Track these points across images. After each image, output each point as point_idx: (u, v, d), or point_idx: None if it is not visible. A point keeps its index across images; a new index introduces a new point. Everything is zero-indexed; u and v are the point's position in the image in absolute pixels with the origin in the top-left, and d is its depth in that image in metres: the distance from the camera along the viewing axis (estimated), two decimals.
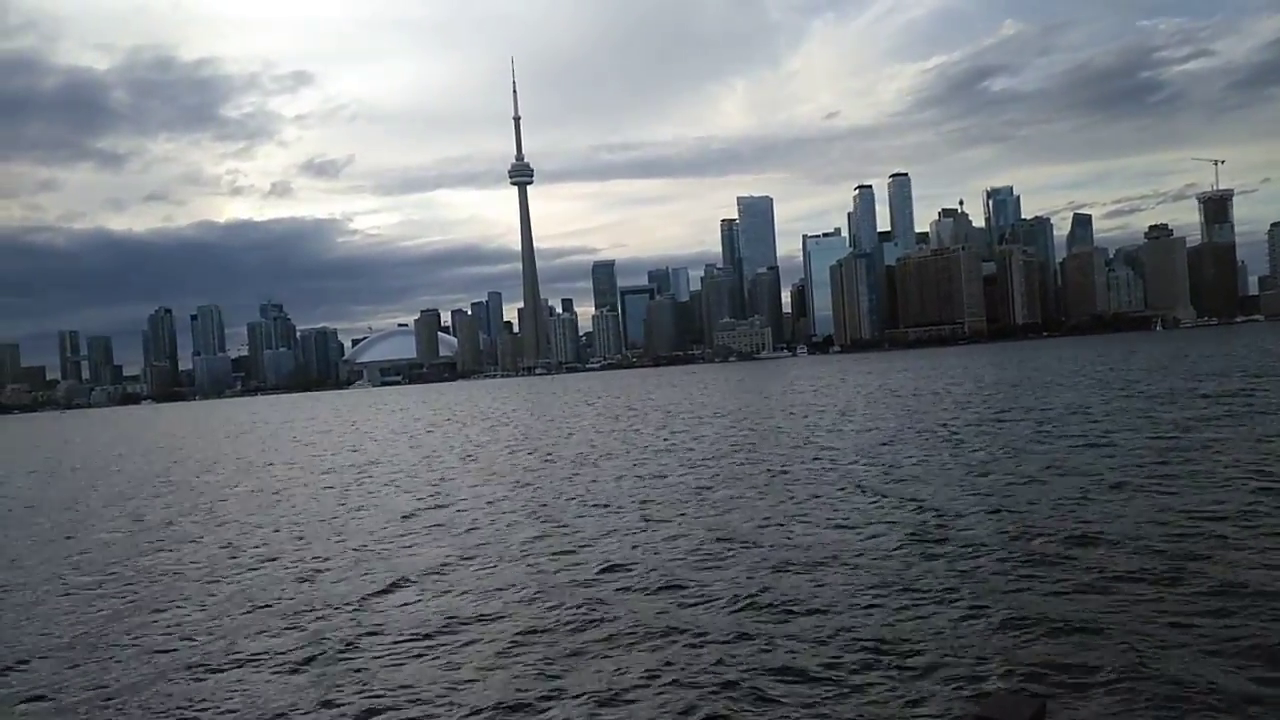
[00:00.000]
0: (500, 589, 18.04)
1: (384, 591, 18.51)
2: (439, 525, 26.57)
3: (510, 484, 35.32)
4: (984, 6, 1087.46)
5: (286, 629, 16.24)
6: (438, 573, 19.96)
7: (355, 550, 23.31)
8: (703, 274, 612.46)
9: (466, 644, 14.64)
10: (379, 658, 14.27)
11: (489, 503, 30.49)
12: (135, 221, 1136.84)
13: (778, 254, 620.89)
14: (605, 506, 27.78)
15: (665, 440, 49.70)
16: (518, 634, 14.96)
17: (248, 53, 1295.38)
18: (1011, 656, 12.32)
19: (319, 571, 20.97)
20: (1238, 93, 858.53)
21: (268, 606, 17.91)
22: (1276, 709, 10.36)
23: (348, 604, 17.67)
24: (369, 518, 28.91)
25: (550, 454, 46.53)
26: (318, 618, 16.80)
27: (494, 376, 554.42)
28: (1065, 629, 13.22)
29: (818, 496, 26.46)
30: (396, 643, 14.93)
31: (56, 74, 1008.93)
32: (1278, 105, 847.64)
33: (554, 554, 21.12)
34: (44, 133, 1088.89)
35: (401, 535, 25.27)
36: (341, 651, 14.66)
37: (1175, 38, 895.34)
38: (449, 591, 18.22)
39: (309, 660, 14.36)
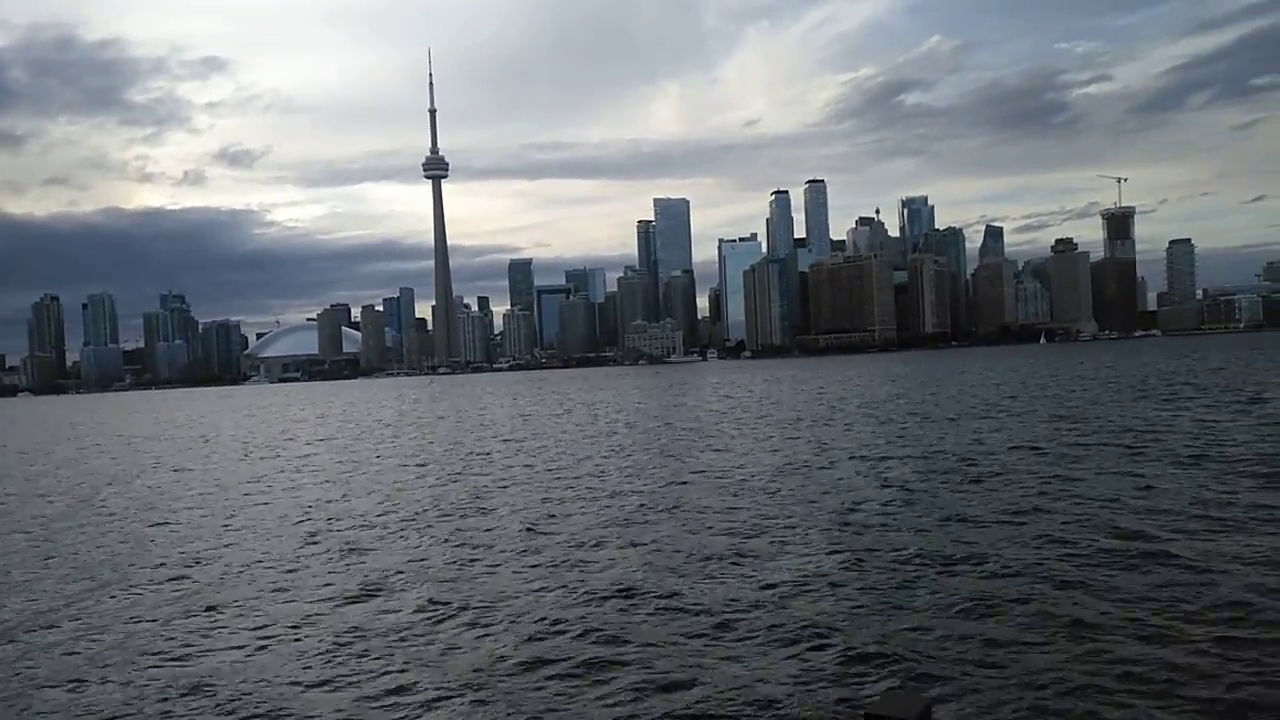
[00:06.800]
0: None
1: None
2: None
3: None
4: (912, 21, 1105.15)
5: None
6: None
7: None
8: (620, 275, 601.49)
9: None
10: None
11: None
12: (35, 205, 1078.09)
13: (700, 258, 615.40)
14: None
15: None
16: None
17: (153, 35, 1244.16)
18: (899, 655, 12.39)
19: None
20: (1136, 117, 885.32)
21: None
22: (1155, 695, 10.71)
23: None
24: None
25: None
26: None
27: (396, 375, 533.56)
28: (952, 629, 13.45)
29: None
30: None
31: None
32: (1173, 130, 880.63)
33: None
34: None
35: None
36: None
37: (1077, 61, 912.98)
38: None
39: None
